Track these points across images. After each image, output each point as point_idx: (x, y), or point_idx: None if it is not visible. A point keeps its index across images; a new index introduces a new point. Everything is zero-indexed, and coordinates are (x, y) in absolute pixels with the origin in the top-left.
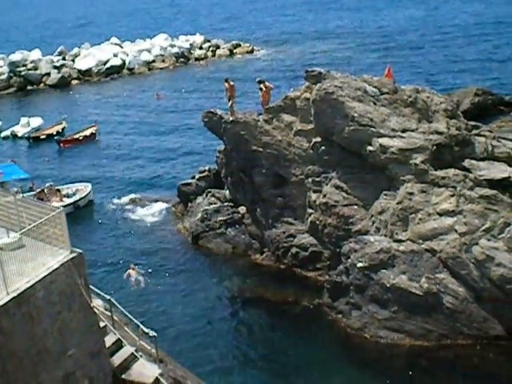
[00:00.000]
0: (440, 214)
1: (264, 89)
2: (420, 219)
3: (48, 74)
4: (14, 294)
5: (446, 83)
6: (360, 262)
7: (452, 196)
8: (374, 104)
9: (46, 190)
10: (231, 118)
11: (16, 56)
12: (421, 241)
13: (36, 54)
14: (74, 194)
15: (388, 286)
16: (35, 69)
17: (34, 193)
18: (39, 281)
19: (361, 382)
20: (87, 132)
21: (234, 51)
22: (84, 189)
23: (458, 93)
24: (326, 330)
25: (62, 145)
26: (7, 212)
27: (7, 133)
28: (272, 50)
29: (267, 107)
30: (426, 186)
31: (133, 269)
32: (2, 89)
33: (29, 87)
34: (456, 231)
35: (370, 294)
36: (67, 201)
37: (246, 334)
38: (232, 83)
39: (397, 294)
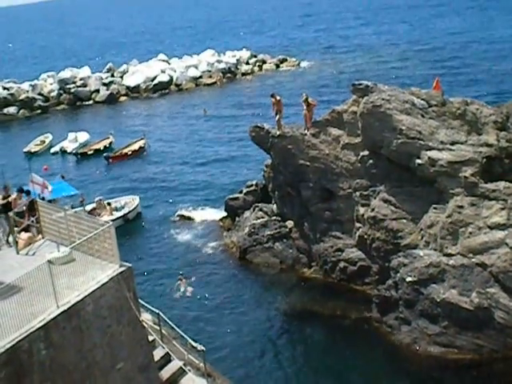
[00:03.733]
0: (491, 228)
1: (312, 104)
2: (470, 233)
3: (97, 91)
4: (64, 308)
5: (496, 95)
6: (409, 276)
7: (503, 209)
8: (423, 117)
9: (95, 205)
10: (278, 133)
11: (65, 73)
12: (471, 255)
13: (85, 72)
14: (122, 207)
15: (438, 300)
16: (84, 86)
17: (87, 208)
18: (89, 294)
19: None
20: (136, 146)
21: (281, 65)
22: (132, 201)
23: (507, 104)
24: (375, 345)
25: (110, 161)
26: (57, 227)
27: (56, 149)
28: (318, 64)
29: (313, 121)
30: (476, 199)
31: (182, 279)
32: (53, 105)
33: (78, 103)
34: (507, 245)
35: (420, 308)
36: (117, 214)
37: (295, 348)
38: (279, 98)
39: (447, 309)
